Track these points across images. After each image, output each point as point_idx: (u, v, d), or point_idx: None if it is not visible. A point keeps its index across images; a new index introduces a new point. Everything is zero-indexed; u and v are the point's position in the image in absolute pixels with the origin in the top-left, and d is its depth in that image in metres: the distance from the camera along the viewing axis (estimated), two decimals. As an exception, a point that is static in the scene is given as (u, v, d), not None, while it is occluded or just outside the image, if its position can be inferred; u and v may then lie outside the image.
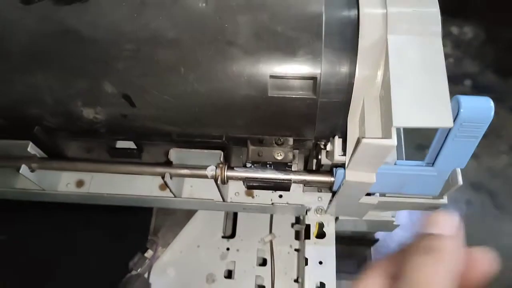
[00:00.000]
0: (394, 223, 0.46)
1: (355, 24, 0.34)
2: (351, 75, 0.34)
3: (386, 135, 0.31)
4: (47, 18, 0.36)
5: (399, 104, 0.30)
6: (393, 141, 0.30)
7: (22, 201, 0.43)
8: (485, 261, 0.23)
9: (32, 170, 0.39)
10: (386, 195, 0.41)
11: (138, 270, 0.48)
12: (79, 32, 0.35)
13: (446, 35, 1.46)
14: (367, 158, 0.33)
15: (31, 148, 0.39)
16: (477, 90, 1.46)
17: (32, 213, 0.34)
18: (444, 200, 0.40)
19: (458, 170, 0.37)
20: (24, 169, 0.38)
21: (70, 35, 0.35)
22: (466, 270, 0.22)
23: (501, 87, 1.42)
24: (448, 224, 0.22)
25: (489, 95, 0.32)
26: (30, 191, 0.42)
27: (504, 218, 1.27)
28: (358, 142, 0.31)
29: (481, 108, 0.31)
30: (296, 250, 0.51)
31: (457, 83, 1.43)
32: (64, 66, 0.35)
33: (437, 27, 0.34)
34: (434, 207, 0.41)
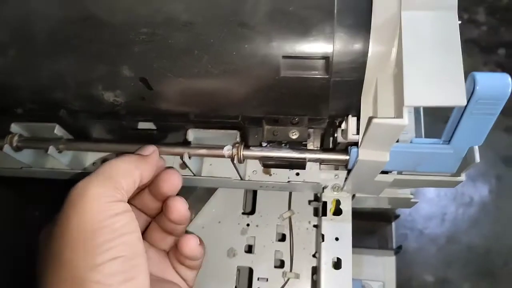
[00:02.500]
0: (412, 200, 0.46)
1: (369, 1, 0.33)
2: (364, 53, 0.34)
3: (398, 115, 0.31)
4: (67, 4, 0.37)
5: (410, 83, 0.30)
6: (404, 120, 0.30)
7: (52, 179, 0.46)
8: (171, 179, 0.33)
9: (60, 151, 0.41)
10: (403, 172, 0.41)
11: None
12: (98, 17, 0.36)
13: (480, 2, 1.39)
14: (379, 138, 0.33)
15: (58, 130, 0.41)
16: (512, 59, 1.39)
17: (62, 191, 0.36)
18: (462, 177, 0.39)
19: (476, 148, 0.36)
20: (52, 150, 0.41)
21: (90, 21, 0.36)
22: (157, 183, 0.33)
23: (538, 56, 1.35)
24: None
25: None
26: (59, 170, 0.44)
27: (536, 193, 1.23)
28: (369, 121, 0.32)
29: (498, 85, 0.31)
30: (314, 226, 0.51)
31: (491, 52, 1.37)
32: (84, 51, 0.36)
33: (453, 0, 0.33)
34: (452, 185, 0.40)
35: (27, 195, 0.52)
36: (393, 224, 0.70)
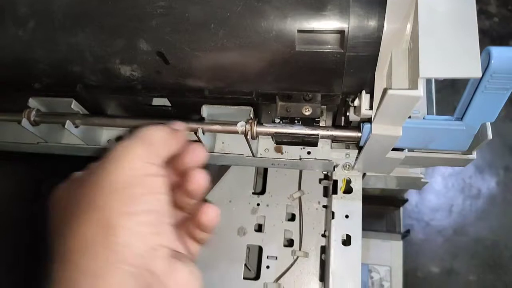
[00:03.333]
0: (423, 180, 0.46)
1: (384, -24, 0.34)
2: (380, 28, 0.34)
3: (413, 86, 0.32)
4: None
5: (426, 55, 0.30)
6: (419, 92, 0.30)
7: (67, 155, 0.47)
8: (197, 151, 0.32)
9: (76, 126, 0.42)
10: (414, 150, 0.41)
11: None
12: (115, -9, 0.36)
13: (491, -7, 1.38)
14: (393, 111, 0.33)
15: (75, 105, 0.42)
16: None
17: (77, 166, 0.37)
18: (473, 155, 0.40)
19: (488, 124, 0.36)
20: (69, 124, 0.41)
21: (107, -6, 0.37)
22: (182, 154, 0.32)
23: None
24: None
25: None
26: (74, 146, 0.45)
27: (544, 184, 1.23)
28: (384, 93, 0.32)
29: (512, 59, 0.31)
30: (324, 206, 0.52)
31: (502, 43, 1.36)
32: (102, 25, 0.37)
33: (470, -23, 0.33)
34: (463, 163, 0.41)
35: (42, 169, 0.53)
36: (401, 209, 0.71)
